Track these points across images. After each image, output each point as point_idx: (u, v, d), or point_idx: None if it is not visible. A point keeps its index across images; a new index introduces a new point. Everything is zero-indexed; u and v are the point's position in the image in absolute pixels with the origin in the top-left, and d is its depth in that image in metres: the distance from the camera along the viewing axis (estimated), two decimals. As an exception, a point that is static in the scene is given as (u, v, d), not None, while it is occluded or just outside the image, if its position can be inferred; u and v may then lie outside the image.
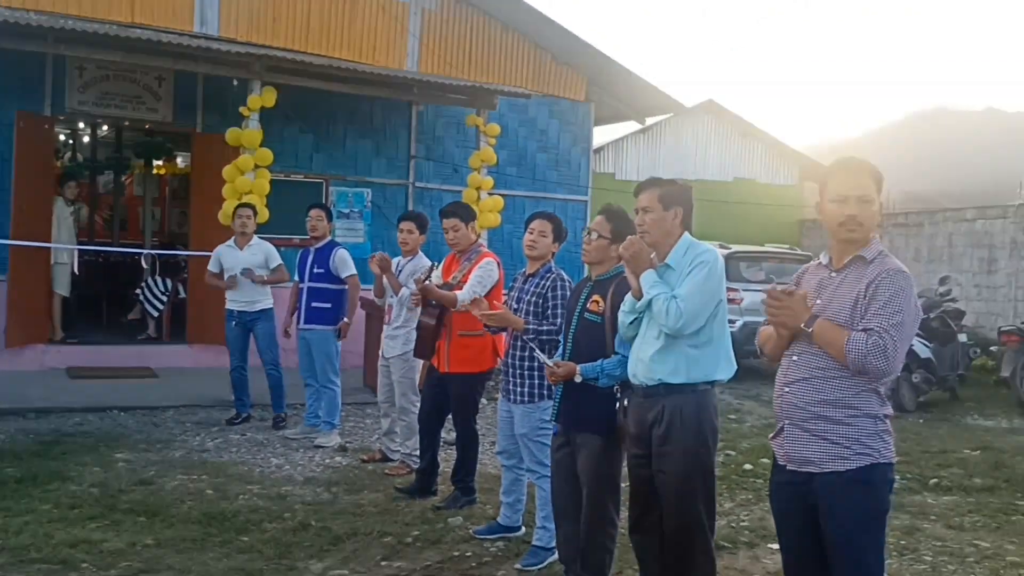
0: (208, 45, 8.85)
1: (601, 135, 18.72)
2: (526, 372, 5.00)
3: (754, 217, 19.15)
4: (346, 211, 11.28)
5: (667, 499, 3.80)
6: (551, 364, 4.37)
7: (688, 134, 20.02)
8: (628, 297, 3.93)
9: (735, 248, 12.85)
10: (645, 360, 3.82)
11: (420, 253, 6.63)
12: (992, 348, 12.42)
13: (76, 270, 10.16)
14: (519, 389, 5.06)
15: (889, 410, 3.07)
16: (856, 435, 2.98)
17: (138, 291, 10.88)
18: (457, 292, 5.65)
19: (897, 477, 7.02)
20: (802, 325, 3.00)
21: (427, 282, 5.78)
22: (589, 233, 4.45)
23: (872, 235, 3.11)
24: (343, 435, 7.75)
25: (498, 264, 5.75)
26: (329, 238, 7.62)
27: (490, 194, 10.58)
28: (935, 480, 7.06)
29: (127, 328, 11.46)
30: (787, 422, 3.11)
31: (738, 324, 11.43)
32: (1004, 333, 10.82)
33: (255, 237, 7.97)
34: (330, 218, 7.67)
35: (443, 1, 11.75)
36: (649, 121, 17.94)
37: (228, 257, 7.92)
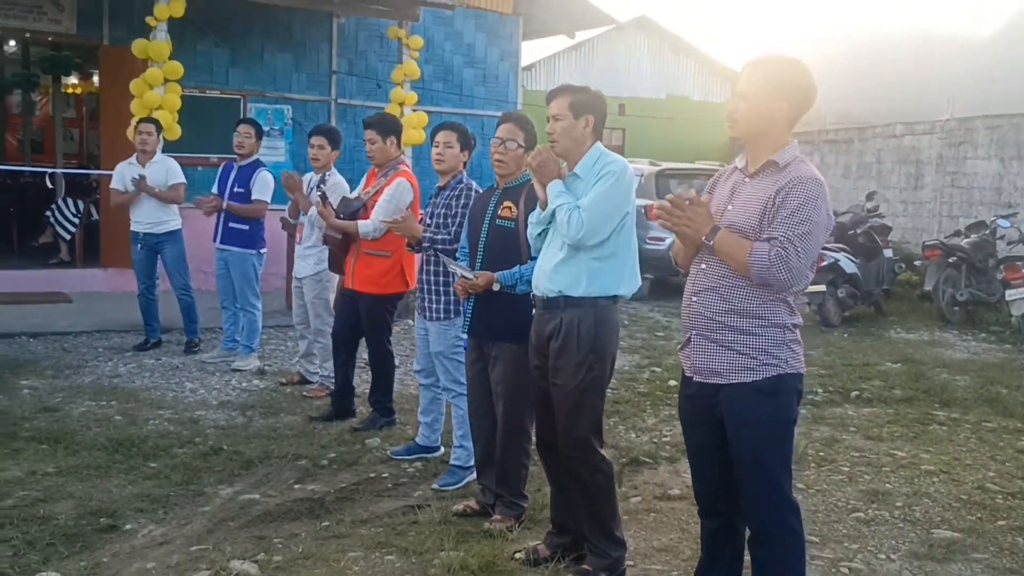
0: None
1: (532, 52, 18.36)
2: (441, 288, 4.86)
3: (687, 135, 19.10)
4: (266, 129, 10.80)
5: (558, 413, 3.72)
6: (470, 276, 4.22)
7: (621, 51, 19.75)
8: (536, 209, 3.80)
9: (665, 165, 12.74)
10: (547, 271, 3.72)
11: (333, 169, 6.37)
12: (916, 263, 12.63)
13: None
14: (434, 306, 4.92)
15: (798, 319, 2.98)
16: (763, 345, 2.89)
17: (48, 213, 10.39)
18: (360, 222, 5.46)
19: (820, 390, 7.20)
20: (703, 238, 2.88)
21: (319, 197, 5.59)
22: (503, 143, 4.26)
23: (788, 140, 2.99)
24: (262, 358, 7.54)
25: (412, 184, 5.53)
26: (255, 157, 7.27)
27: (414, 110, 10.24)
28: (856, 392, 7.15)
29: (39, 252, 10.99)
30: (694, 332, 3.01)
31: (667, 242, 11.41)
32: (928, 248, 10.96)
33: (159, 153, 7.57)
34: (259, 136, 7.30)
35: (365, -94, 11.17)
36: (581, 37, 17.62)
37: (128, 175, 7.53)
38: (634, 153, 17.91)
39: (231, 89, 10.66)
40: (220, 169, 7.34)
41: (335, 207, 5.71)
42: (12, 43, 13.76)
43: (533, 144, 4.31)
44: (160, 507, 4.40)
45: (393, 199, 5.45)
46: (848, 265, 10.50)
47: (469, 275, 4.21)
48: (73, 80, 15.46)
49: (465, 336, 4.45)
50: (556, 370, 3.67)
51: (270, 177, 7.13)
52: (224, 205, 7.04)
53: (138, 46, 8.49)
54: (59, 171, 8.82)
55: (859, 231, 11.27)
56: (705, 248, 2.93)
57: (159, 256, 7.61)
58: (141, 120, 7.80)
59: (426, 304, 4.96)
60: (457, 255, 4.58)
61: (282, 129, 10.96)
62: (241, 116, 10.63)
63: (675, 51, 20.40)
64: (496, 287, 4.18)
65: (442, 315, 4.90)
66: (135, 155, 7.56)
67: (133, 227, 7.56)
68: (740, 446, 2.92)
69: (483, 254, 4.31)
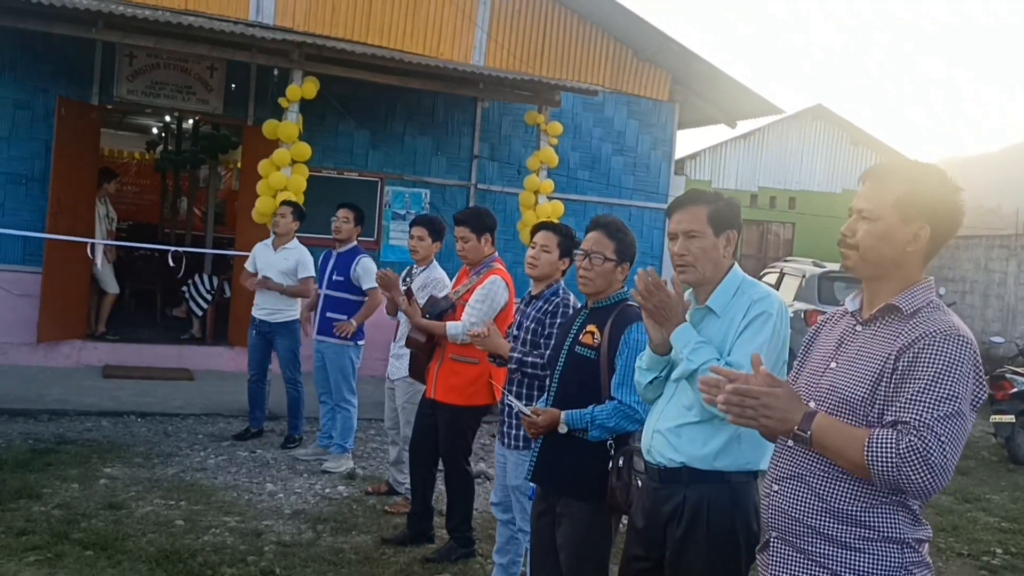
0: (244, 31, 8.28)
1: (697, 140, 17.68)
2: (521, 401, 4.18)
3: (862, 233, 17.70)
4: (402, 212, 10.60)
5: None
6: (527, 412, 3.54)
7: (794, 141, 18.68)
8: (646, 351, 2.99)
9: (829, 267, 11.63)
10: (665, 433, 2.89)
11: (435, 263, 5.84)
12: None
13: (100, 265, 9.65)
14: (512, 431, 4.26)
15: (925, 532, 2.10)
16: (870, 567, 2.03)
17: (184, 288, 10.46)
18: (449, 323, 4.86)
19: (999, 550, 5.95)
20: (795, 429, 2.04)
21: (405, 293, 5.07)
22: (588, 257, 3.56)
23: (919, 278, 2.17)
24: (358, 458, 7.06)
25: (507, 284, 4.90)
26: (354, 243, 6.91)
27: (550, 198, 9.71)
28: (1046, 557, 5.86)
29: (172, 326, 11.08)
30: (774, 534, 2.18)
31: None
32: None
33: (295, 240, 7.28)
34: (359, 221, 6.92)
35: (515, -9, 10.93)
36: (750, 126, 16.81)
37: (261, 257, 7.30)
38: (803, 251, 16.74)
39: (369, 171, 10.49)
40: (320, 258, 7.00)
41: (422, 305, 5.17)
42: (190, 122, 14.37)
43: (627, 256, 3.59)
44: (175, 647, 3.86)
45: (487, 300, 4.83)
46: (1045, 392, 9.02)
47: (525, 411, 3.53)
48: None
49: (528, 481, 3.74)
50: (678, 566, 2.82)
51: (372, 264, 6.72)
52: (356, 324, 6.66)
53: (268, 127, 8.40)
54: (180, 249, 8.80)
55: (1059, 353, 9.76)
56: (800, 441, 2.09)
57: (272, 345, 7.32)
58: (282, 202, 7.63)
59: (505, 429, 4.31)
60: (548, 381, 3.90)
61: (418, 213, 10.66)
62: (378, 199, 10.47)
63: (853, 142, 19.13)
64: (562, 429, 3.47)
65: (521, 443, 4.22)
66: (272, 237, 7.36)
67: (253, 311, 7.32)
68: None
69: (557, 385, 3.62)
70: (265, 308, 7.18)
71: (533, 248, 4.28)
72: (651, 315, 2.85)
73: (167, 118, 14.41)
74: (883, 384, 2.05)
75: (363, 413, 7.57)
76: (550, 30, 11.06)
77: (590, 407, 3.44)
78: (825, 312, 11.05)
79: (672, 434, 2.85)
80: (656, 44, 11.16)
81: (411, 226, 5.91)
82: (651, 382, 2.98)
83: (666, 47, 11.14)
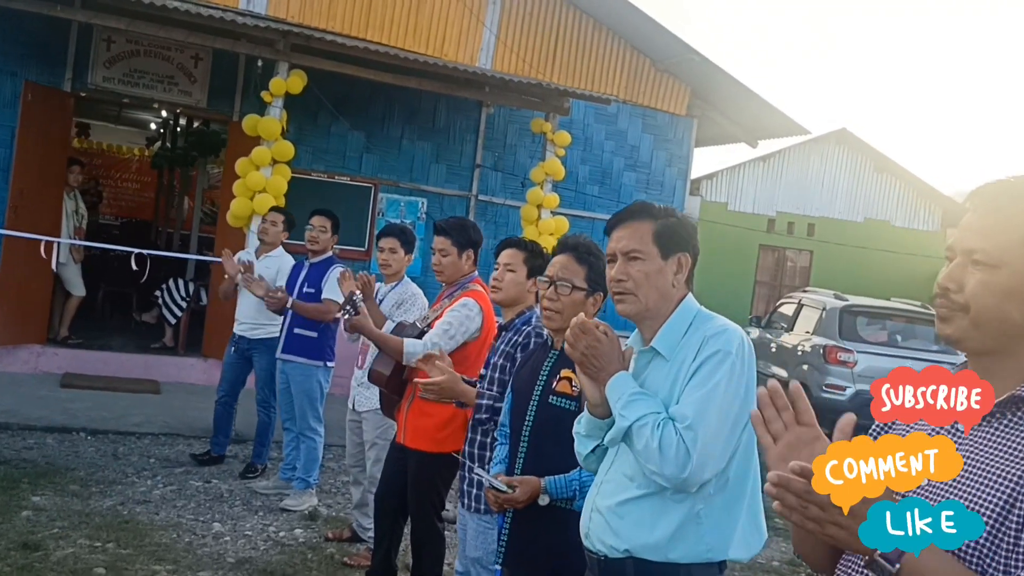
0: (224, 17, 7.58)
1: (715, 160, 16.97)
2: (486, 467, 3.44)
3: (884, 265, 16.96)
4: (396, 221, 9.87)
5: None
6: (503, 488, 2.80)
7: (815, 165, 17.91)
8: (584, 413, 2.35)
9: (853, 300, 10.85)
10: (605, 513, 2.25)
11: (406, 278, 5.13)
12: None
13: (56, 265, 8.78)
14: (473, 490, 3.52)
15: None
16: None
17: (157, 293, 9.74)
18: (408, 340, 4.13)
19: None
20: (876, 553, 1.31)
21: (353, 309, 4.34)
22: (553, 285, 2.86)
23: None
24: (324, 493, 6.32)
25: (484, 307, 4.16)
26: (329, 253, 6.19)
27: (555, 213, 8.98)
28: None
29: (143, 334, 10.33)
30: None
31: (848, 392, 9.53)
32: None
33: (280, 248, 6.57)
34: (336, 230, 6.21)
35: (526, -8, 10.21)
36: (770, 148, 16.08)
37: (243, 260, 6.63)
38: (820, 280, 15.95)
39: (362, 176, 9.77)
40: (292, 268, 6.29)
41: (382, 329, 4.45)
42: (183, 121, 13.77)
43: (601, 284, 2.90)
44: None
45: (455, 323, 4.10)
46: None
47: (502, 488, 2.78)
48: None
49: (498, 567, 2.99)
50: None
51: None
52: (289, 304, 5.95)
53: (249, 122, 7.71)
54: (144, 251, 8.04)
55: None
56: (879, 573, 1.35)
57: (252, 364, 6.60)
58: (271, 208, 6.97)
59: (465, 487, 3.57)
60: (496, 435, 3.18)
61: (414, 223, 9.94)
62: (371, 206, 9.77)
63: (878, 169, 18.34)
64: (543, 501, 2.74)
65: (483, 506, 3.47)
66: (257, 246, 6.69)
67: (235, 326, 6.62)
68: None
69: (527, 444, 2.89)
70: (246, 323, 6.50)
71: (496, 269, 3.62)
72: (581, 366, 2.25)
73: (164, 113, 13.79)
74: (1013, 518, 1.30)
75: (335, 439, 6.85)
76: (563, 34, 10.35)
77: (576, 471, 2.74)
78: (850, 349, 10.18)
79: (613, 514, 2.23)
80: (676, 54, 10.44)
81: (379, 237, 5.20)
82: (593, 451, 2.35)
83: (687, 58, 10.42)
